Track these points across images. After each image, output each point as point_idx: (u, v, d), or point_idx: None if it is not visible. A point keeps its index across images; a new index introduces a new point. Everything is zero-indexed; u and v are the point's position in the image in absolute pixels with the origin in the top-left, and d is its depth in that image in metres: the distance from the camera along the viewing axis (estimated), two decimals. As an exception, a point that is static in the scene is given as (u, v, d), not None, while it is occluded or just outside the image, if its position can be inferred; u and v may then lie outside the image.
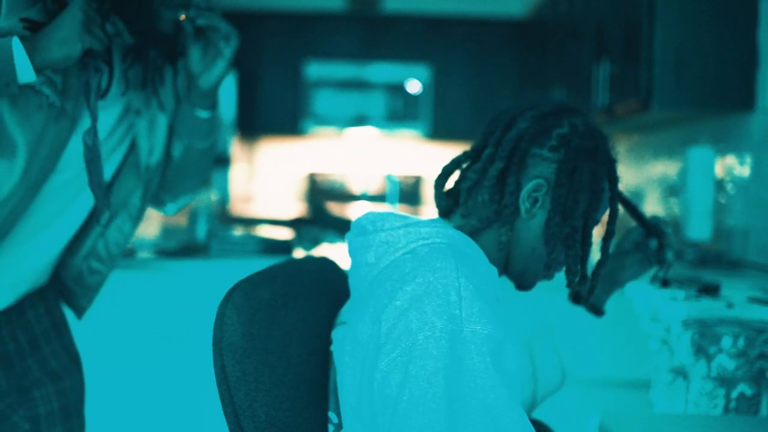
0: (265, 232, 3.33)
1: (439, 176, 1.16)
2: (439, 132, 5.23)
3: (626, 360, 2.28)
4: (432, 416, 0.88)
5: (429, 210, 5.25)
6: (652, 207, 3.28)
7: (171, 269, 2.42)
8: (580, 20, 3.54)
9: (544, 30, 4.47)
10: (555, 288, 1.25)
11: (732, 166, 2.50)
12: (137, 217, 1.35)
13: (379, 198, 5.53)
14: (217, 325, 0.97)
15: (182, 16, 1.20)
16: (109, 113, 1.24)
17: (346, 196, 5.52)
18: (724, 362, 1.51)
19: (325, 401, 1.07)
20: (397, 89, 5.19)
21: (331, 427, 1.04)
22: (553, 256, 1.08)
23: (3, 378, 1.24)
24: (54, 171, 1.17)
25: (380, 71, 5.19)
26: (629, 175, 3.60)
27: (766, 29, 2.33)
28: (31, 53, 1.05)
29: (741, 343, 1.50)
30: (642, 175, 3.44)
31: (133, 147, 1.32)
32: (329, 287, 1.19)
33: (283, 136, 5.52)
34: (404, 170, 5.58)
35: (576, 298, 1.33)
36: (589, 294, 1.13)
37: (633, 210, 1.27)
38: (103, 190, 1.22)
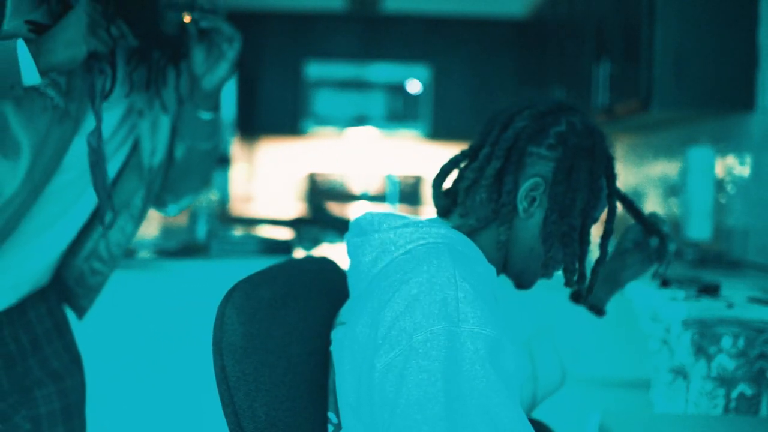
0: (265, 232, 3.33)
1: (437, 176, 1.16)
2: (439, 132, 5.24)
3: (626, 360, 2.28)
4: (430, 417, 0.88)
5: (429, 210, 5.26)
6: (652, 207, 3.28)
7: (171, 269, 2.42)
8: (580, 20, 3.54)
9: (544, 30, 4.47)
10: (555, 288, 1.25)
11: (732, 166, 2.50)
12: (139, 218, 1.35)
13: (379, 198, 5.53)
14: (217, 325, 0.97)
15: (186, 18, 1.20)
16: (112, 114, 1.24)
17: (346, 196, 5.52)
18: (724, 362, 1.51)
19: (325, 401, 1.07)
20: (397, 89, 5.19)
21: (330, 428, 1.04)
22: (551, 254, 1.08)
23: (4, 378, 1.24)
24: (57, 172, 1.18)
25: (380, 71, 5.19)
26: (629, 175, 3.60)
27: (766, 29, 2.33)
28: (36, 56, 1.05)
29: (741, 343, 1.50)
30: (642, 175, 3.44)
31: (135, 148, 1.32)
32: (329, 287, 1.19)
33: (283, 136, 5.52)
34: (404, 170, 5.58)
35: (577, 298, 1.33)
36: (588, 292, 1.13)
37: (630, 206, 1.26)
38: (107, 192, 1.22)
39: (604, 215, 1.14)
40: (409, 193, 5.51)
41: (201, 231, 2.74)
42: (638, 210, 1.27)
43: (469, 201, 1.11)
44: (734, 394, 1.51)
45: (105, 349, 2.27)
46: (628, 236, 1.32)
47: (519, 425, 0.89)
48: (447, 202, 1.15)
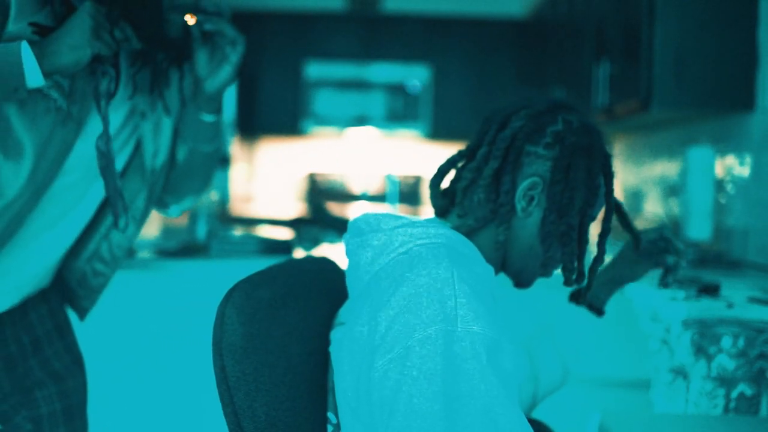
0: (265, 232, 3.33)
1: (435, 176, 1.16)
2: (439, 132, 5.23)
3: (626, 360, 2.28)
4: (429, 417, 0.88)
5: (429, 210, 5.24)
6: (652, 207, 3.28)
7: (171, 269, 2.42)
8: (580, 20, 3.54)
9: (543, 30, 4.47)
10: (555, 287, 1.25)
11: (732, 166, 2.50)
12: (141, 220, 1.35)
13: (379, 198, 5.53)
14: (217, 325, 0.97)
15: (190, 21, 1.20)
16: (114, 116, 1.24)
17: (346, 196, 5.52)
18: (724, 362, 1.51)
19: (325, 401, 1.07)
20: (397, 89, 5.19)
21: (330, 428, 1.04)
22: (550, 254, 1.08)
23: (5, 379, 1.24)
24: (59, 174, 1.18)
25: (380, 71, 5.19)
26: (629, 175, 3.60)
27: (766, 29, 2.33)
28: (40, 58, 1.05)
29: (741, 343, 1.50)
30: (642, 175, 3.43)
31: (137, 149, 1.32)
32: (329, 287, 1.19)
33: (283, 136, 5.52)
34: (404, 170, 5.58)
35: (576, 298, 1.33)
36: (586, 291, 1.13)
37: (622, 216, 1.24)
38: (120, 195, 1.22)
39: (601, 214, 1.14)
40: (409, 193, 5.51)
41: (201, 231, 2.74)
42: (629, 221, 1.25)
43: (467, 201, 1.11)
44: (734, 394, 1.51)
45: (104, 349, 2.27)
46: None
47: (517, 425, 0.89)
48: (445, 202, 1.15)
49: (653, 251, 1.29)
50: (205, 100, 1.28)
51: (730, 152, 2.51)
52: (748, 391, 1.51)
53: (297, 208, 5.34)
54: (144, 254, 2.45)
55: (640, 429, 1.15)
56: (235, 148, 4.95)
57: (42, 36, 1.09)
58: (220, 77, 1.25)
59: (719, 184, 2.56)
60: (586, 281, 1.12)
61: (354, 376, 0.99)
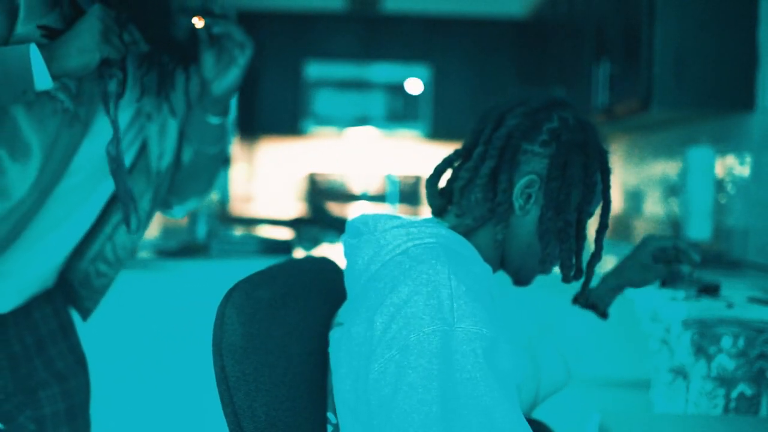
0: (265, 232, 3.33)
1: (431, 176, 1.16)
2: (439, 132, 5.23)
3: (626, 360, 2.28)
4: (427, 417, 0.88)
5: (428, 210, 5.25)
6: (652, 207, 3.28)
7: (171, 269, 2.42)
8: (580, 20, 3.54)
9: (543, 30, 4.47)
10: (556, 288, 1.25)
11: (732, 166, 2.50)
12: (146, 222, 1.35)
13: (379, 198, 5.53)
14: (217, 325, 0.97)
15: (198, 24, 1.20)
16: (121, 117, 1.24)
17: (346, 196, 5.52)
18: (724, 362, 1.51)
19: (325, 401, 1.07)
20: (397, 89, 5.19)
21: (330, 428, 1.04)
22: (548, 251, 1.08)
23: (9, 379, 1.24)
24: (65, 175, 1.18)
25: (380, 71, 5.19)
26: (629, 175, 3.60)
27: (766, 29, 2.33)
28: (49, 61, 1.05)
29: (741, 343, 1.50)
30: (642, 175, 3.43)
31: (142, 150, 1.32)
32: (329, 287, 1.19)
33: (283, 136, 5.52)
34: (404, 170, 5.58)
35: (580, 301, 1.33)
36: (583, 287, 1.14)
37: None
38: (131, 198, 1.22)
39: (598, 211, 1.14)
40: (408, 193, 5.51)
41: (201, 231, 2.74)
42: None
43: (465, 200, 1.11)
44: (734, 394, 1.51)
45: (104, 349, 2.27)
46: (647, 249, 1.31)
47: (516, 424, 0.89)
48: (442, 202, 1.15)
49: (663, 258, 1.29)
50: (211, 103, 1.28)
51: (730, 152, 2.51)
52: (748, 391, 1.51)
53: (297, 208, 5.34)
54: (144, 254, 2.45)
55: (640, 429, 1.15)
56: (235, 148, 4.95)
57: (51, 39, 1.08)
58: (227, 80, 1.25)
59: (719, 184, 2.56)
60: (584, 277, 1.12)
61: (352, 377, 0.99)
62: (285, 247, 2.57)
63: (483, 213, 1.09)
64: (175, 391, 2.39)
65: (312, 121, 5.20)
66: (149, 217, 1.36)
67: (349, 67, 5.20)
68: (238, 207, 5.17)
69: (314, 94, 5.18)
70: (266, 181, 5.64)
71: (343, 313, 1.11)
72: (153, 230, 3.13)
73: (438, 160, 1.17)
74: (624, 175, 3.67)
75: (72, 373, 1.35)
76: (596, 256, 1.11)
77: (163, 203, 1.43)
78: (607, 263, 1.48)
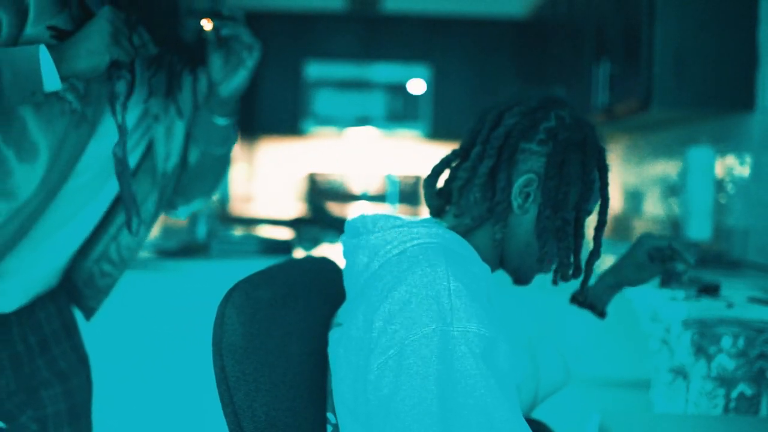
0: (265, 232, 3.33)
1: (429, 176, 1.16)
2: (439, 132, 5.23)
3: (626, 360, 2.28)
4: (425, 417, 0.88)
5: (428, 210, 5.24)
6: (652, 207, 3.28)
7: (171, 269, 2.42)
8: (580, 20, 3.54)
9: (543, 30, 4.47)
10: (555, 288, 1.25)
11: (732, 166, 2.50)
12: (150, 222, 1.35)
13: (379, 198, 5.53)
14: (217, 325, 0.97)
15: (207, 26, 1.20)
16: (128, 117, 1.24)
17: (346, 196, 5.52)
18: (724, 362, 1.51)
19: (325, 401, 1.07)
20: (398, 89, 5.19)
21: (329, 428, 1.04)
22: (546, 249, 1.08)
23: (12, 378, 1.24)
24: (71, 175, 1.18)
25: (380, 71, 5.19)
26: (629, 175, 3.60)
27: (766, 29, 2.33)
28: (58, 62, 1.05)
29: (741, 343, 1.50)
30: (642, 175, 3.43)
31: (149, 151, 1.32)
32: (329, 287, 1.19)
33: (283, 136, 5.52)
34: (404, 170, 5.58)
35: (578, 300, 1.33)
36: (582, 285, 1.14)
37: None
38: (134, 201, 1.22)
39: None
40: (409, 193, 5.51)
41: (201, 231, 2.74)
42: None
43: (463, 200, 1.11)
44: (734, 394, 1.51)
45: (103, 349, 2.27)
46: (642, 248, 1.31)
47: (515, 424, 0.89)
48: (440, 203, 1.15)
49: (659, 258, 1.29)
50: (218, 104, 1.28)
51: (730, 152, 2.51)
52: (748, 391, 1.51)
53: (297, 208, 5.34)
54: (144, 254, 2.45)
55: (640, 429, 1.15)
56: (235, 148, 4.94)
57: (60, 40, 1.08)
58: (234, 81, 1.25)
59: (719, 184, 2.56)
60: (583, 275, 1.12)
61: (351, 377, 0.99)
62: (285, 247, 2.57)
63: (481, 212, 1.09)
64: (175, 391, 2.39)
65: (312, 121, 5.20)
66: (154, 218, 1.36)
67: (349, 67, 5.20)
68: (238, 207, 5.17)
69: (314, 94, 5.18)
70: (266, 181, 5.64)
71: (342, 314, 1.11)
72: (153, 230, 3.13)
73: (437, 161, 1.17)
74: (624, 175, 3.67)
75: (74, 373, 1.35)
76: (595, 254, 1.12)
77: (169, 204, 1.43)
78: (607, 263, 1.49)
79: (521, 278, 1.16)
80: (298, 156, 5.62)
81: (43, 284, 1.29)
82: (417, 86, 5.17)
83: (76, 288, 1.38)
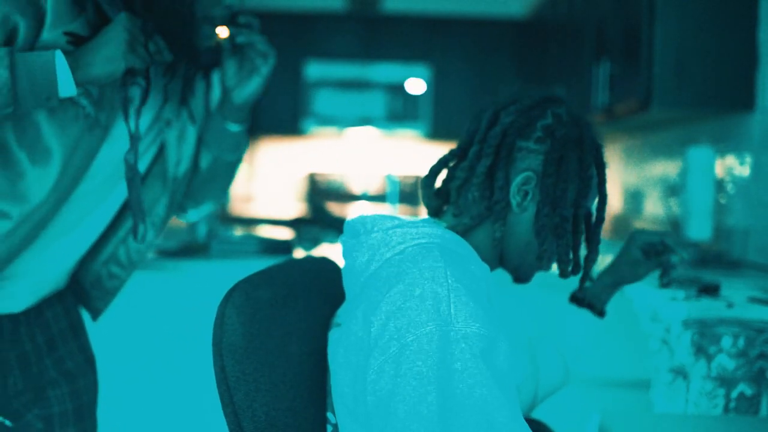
0: (265, 232, 3.33)
1: (427, 176, 1.16)
2: (439, 132, 5.23)
3: (626, 360, 2.28)
4: (425, 417, 0.88)
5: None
6: (652, 207, 3.28)
7: (171, 269, 2.42)
8: (580, 20, 3.54)
9: (544, 30, 4.47)
10: (555, 287, 1.25)
11: (732, 166, 2.50)
12: (161, 227, 1.36)
13: (379, 198, 5.53)
14: (217, 325, 0.97)
15: (223, 34, 1.20)
16: (140, 121, 1.24)
17: (346, 196, 5.52)
18: (724, 362, 1.51)
19: (325, 401, 1.07)
20: (398, 89, 5.19)
21: (329, 428, 1.04)
22: (545, 246, 1.08)
23: (19, 377, 1.24)
24: (83, 179, 1.18)
25: (380, 71, 5.19)
26: (629, 175, 3.60)
27: (766, 29, 2.33)
28: (74, 68, 1.05)
29: (741, 343, 1.50)
30: (642, 175, 3.43)
31: (160, 155, 1.32)
32: (329, 287, 1.19)
33: (283, 136, 5.52)
34: (404, 170, 5.58)
35: (578, 300, 1.33)
36: (581, 282, 1.14)
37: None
38: (141, 207, 1.23)
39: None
40: (409, 193, 5.51)
41: (201, 231, 2.74)
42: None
43: (462, 200, 1.11)
44: (734, 394, 1.51)
45: (103, 349, 2.27)
46: (635, 244, 1.31)
47: (514, 424, 0.89)
48: (438, 203, 1.15)
49: (653, 252, 1.29)
50: (231, 110, 1.28)
51: (730, 152, 2.51)
52: (748, 391, 1.51)
53: (297, 208, 5.34)
54: (144, 254, 2.44)
55: (640, 429, 1.15)
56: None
57: (76, 45, 1.08)
58: (248, 88, 1.26)
59: (719, 184, 2.56)
60: (582, 272, 1.12)
61: (350, 377, 0.99)
62: (285, 247, 2.57)
63: (480, 211, 1.09)
64: (175, 391, 2.39)
65: (312, 121, 5.20)
66: (164, 222, 1.36)
67: (349, 67, 5.20)
68: (238, 207, 5.17)
69: (314, 94, 5.18)
70: (266, 181, 5.64)
71: (342, 314, 1.11)
72: (153, 230, 3.12)
73: (435, 161, 1.17)
74: (624, 175, 3.67)
75: (81, 373, 1.35)
76: (593, 251, 1.12)
77: (179, 207, 1.43)
78: (606, 262, 1.49)
79: (521, 277, 1.16)
80: (298, 156, 5.63)
81: (52, 285, 1.30)
82: (417, 86, 5.17)
83: (84, 289, 1.38)
